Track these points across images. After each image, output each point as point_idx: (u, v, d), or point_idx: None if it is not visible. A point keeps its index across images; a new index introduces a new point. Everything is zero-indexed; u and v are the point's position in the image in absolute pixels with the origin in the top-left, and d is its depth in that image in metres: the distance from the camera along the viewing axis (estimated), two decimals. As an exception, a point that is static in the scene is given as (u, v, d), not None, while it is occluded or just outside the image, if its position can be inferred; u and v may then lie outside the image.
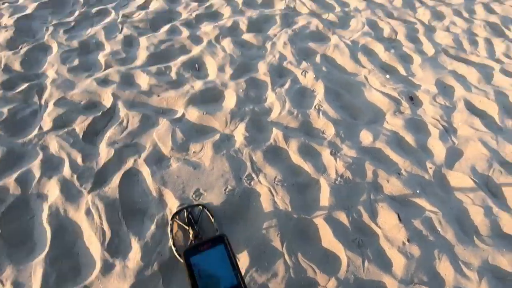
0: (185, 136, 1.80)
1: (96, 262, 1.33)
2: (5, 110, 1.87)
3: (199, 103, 2.02)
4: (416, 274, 1.36)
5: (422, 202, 1.62)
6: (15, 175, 1.57)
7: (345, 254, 1.40)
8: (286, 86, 2.18)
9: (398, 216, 1.53)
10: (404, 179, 1.70)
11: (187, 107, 1.98)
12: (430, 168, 1.78)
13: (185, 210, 1.44)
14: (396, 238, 1.47)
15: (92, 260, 1.34)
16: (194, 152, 1.74)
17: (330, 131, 1.93)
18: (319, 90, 2.18)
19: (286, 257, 1.37)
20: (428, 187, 1.70)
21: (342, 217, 1.52)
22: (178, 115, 1.95)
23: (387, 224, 1.52)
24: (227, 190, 1.57)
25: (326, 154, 1.79)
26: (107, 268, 1.30)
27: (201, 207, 1.47)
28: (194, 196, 1.55)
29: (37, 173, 1.59)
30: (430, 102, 2.16)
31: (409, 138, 1.93)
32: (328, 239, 1.45)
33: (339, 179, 1.67)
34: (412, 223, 1.52)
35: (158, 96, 2.05)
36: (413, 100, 2.19)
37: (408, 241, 1.46)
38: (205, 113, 1.94)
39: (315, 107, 2.06)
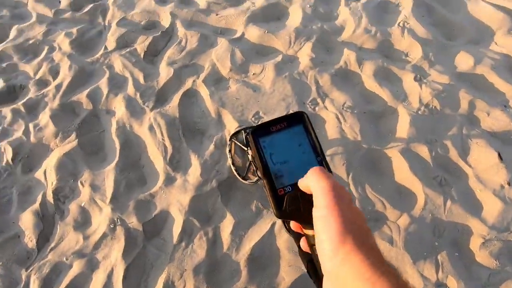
0: (244, 56, 1.65)
1: (160, 174, 1.37)
2: (74, 30, 1.92)
3: (260, 21, 1.81)
4: (515, 221, 1.13)
5: (534, 141, 1.28)
6: (86, 92, 1.64)
7: (422, 191, 1.20)
8: (364, -1, 1.80)
9: (499, 155, 1.24)
10: (512, 113, 1.35)
11: (247, 25, 1.79)
12: (553, 101, 1.37)
13: (243, 131, 1.36)
14: (491, 180, 1.21)
15: (156, 172, 1.39)
16: (254, 73, 1.60)
17: (416, 53, 1.58)
18: (406, 3, 1.76)
19: (352, 187, 1.24)
20: (546, 124, 1.33)
21: (423, 150, 1.29)
22: (238, 34, 1.78)
23: (481, 163, 1.25)
24: (289, 114, 1.43)
25: (408, 80, 1.49)
26: (169, 181, 1.34)
27: None
28: (253, 118, 1.45)
29: (105, 90, 1.64)
30: None
31: (527, 63, 1.49)
32: (403, 174, 1.26)
33: (423, 108, 1.40)
34: (517, 164, 1.23)
35: (217, 14, 1.88)
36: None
37: (509, 184, 1.19)
38: (266, 32, 1.73)
39: (399, 24, 1.69)
